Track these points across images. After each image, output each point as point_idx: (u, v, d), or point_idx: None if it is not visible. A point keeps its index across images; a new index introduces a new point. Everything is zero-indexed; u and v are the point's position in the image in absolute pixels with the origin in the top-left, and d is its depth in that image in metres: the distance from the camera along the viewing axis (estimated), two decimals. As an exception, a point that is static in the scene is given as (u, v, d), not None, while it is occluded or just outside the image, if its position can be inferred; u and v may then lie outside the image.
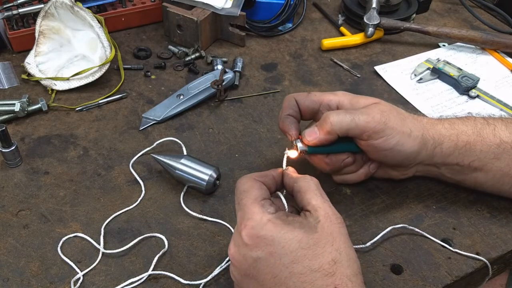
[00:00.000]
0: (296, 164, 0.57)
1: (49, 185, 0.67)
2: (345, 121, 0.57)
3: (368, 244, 0.59)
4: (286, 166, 0.56)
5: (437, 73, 0.87)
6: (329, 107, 0.61)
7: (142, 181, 0.68)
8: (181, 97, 0.79)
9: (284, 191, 0.54)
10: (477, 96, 0.84)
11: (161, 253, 0.58)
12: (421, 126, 0.60)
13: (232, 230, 0.61)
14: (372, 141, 0.58)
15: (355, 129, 0.57)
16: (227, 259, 0.58)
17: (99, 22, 0.83)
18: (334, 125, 0.57)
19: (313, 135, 0.58)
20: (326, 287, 0.44)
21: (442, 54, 0.93)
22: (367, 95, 0.83)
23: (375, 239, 0.60)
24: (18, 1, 0.87)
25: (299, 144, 0.59)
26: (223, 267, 0.57)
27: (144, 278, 0.56)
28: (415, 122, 0.60)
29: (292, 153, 0.59)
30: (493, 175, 0.61)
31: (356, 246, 0.59)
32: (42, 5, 0.85)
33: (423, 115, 0.69)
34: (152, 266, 0.57)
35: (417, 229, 0.61)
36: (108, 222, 0.62)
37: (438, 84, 0.87)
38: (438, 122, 0.62)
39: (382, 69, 0.89)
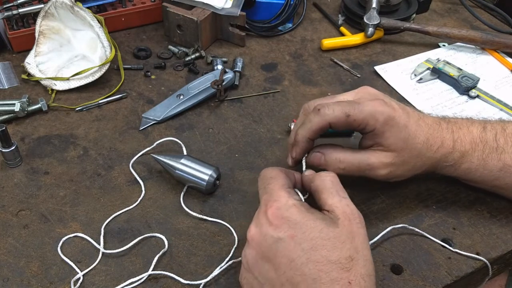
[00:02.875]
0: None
1: (49, 185, 0.67)
2: (352, 168, 0.58)
3: (374, 240, 0.59)
4: (306, 169, 0.57)
5: (437, 73, 0.87)
6: (365, 128, 0.58)
7: (142, 181, 0.68)
8: (181, 97, 0.79)
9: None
10: (477, 96, 0.84)
11: (161, 253, 0.58)
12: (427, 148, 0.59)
13: (233, 230, 0.61)
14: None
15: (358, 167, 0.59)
16: (227, 259, 0.58)
17: (99, 22, 0.83)
18: (341, 168, 0.58)
19: (317, 162, 0.60)
20: (340, 280, 0.44)
21: (442, 54, 0.93)
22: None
23: (375, 239, 0.60)
24: (18, 1, 0.87)
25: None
26: (223, 267, 0.57)
27: (144, 278, 0.56)
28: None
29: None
30: (491, 188, 0.62)
31: None
32: (42, 5, 0.85)
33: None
34: (152, 266, 0.57)
35: (417, 229, 0.61)
36: (108, 222, 0.62)
37: (438, 84, 0.87)
38: (449, 154, 0.60)
39: (382, 69, 0.89)
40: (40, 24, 0.85)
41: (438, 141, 0.59)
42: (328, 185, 0.50)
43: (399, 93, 0.85)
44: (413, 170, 0.60)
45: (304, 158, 0.59)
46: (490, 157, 0.59)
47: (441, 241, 0.61)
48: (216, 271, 0.57)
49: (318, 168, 0.57)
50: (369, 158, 0.58)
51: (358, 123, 0.56)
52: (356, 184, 0.66)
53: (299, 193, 0.53)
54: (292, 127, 0.74)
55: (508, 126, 0.61)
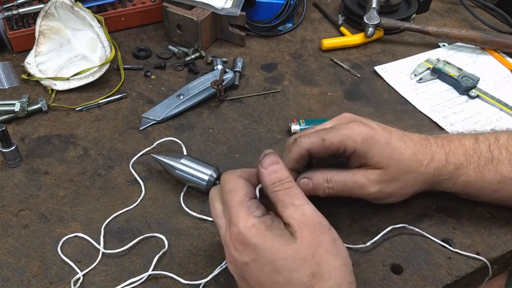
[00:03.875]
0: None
1: (49, 185, 0.67)
2: (340, 187, 0.57)
3: (368, 243, 0.59)
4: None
5: (437, 73, 0.87)
6: (345, 151, 0.57)
7: (142, 181, 0.68)
8: (181, 97, 0.79)
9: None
10: (477, 96, 0.83)
11: (161, 253, 0.58)
12: (422, 170, 0.59)
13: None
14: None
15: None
16: (227, 259, 0.58)
17: (99, 22, 0.83)
18: (330, 191, 0.57)
19: (305, 190, 0.56)
20: None
21: (442, 54, 0.93)
22: (367, 95, 0.84)
23: (375, 238, 0.60)
24: (18, 1, 0.87)
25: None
26: (223, 267, 0.57)
27: (144, 278, 0.56)
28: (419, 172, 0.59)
29: None
30: (491, 200, 0.62)
31: (356, 246, 0.59)
32: (42, 5, 0.85)
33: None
34: (152, 266, 0.57)
35: (417, 229, 0.61)
36: (108, 222, 0.62)
37: (438, 84, 0.87)
38: (443, 168, 0.59)
39: (382, 69, 0.89)
40: (40, 24, 0.85)
41: (428, 156, 0.58)
42: (280, 196, 0.47)
43: (399, 93, 0.85)
44: (406, 187, 0.59)
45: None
46: (486, 169, 0.58)
47: (441, 241, 0.61)
48: (216, 271, 0.57)
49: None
50: (355, 175, 0.57)
51: (336, 146, 0.56)
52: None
53: (257, 191, 0.50)
54: (292, 127, 0.74)
55: (501, 137, 0.60)
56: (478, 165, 0.58)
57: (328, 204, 0.64)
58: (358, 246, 0.59)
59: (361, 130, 0.56)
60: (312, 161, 0.59)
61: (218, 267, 0.57)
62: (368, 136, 0.56)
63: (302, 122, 0.75)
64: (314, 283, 0.44)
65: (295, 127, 0.75)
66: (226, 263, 0.57)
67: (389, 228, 0.61)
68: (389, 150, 0.56)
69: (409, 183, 0.58)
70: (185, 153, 0.70)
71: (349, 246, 0.59)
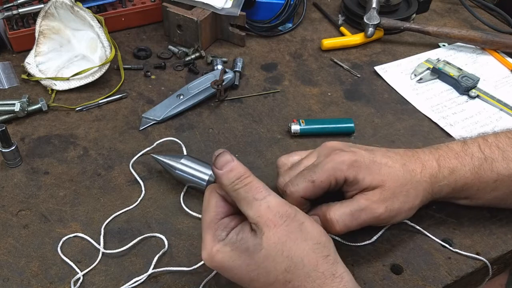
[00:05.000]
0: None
1: (49, 185, 0.67)
2: (348, 218, 0.55)
3: (374, 238, 0.60)
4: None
5: (437, 73, 0.87)
6: (337, 183, 0.56)
7: (142, 181, 0.68)
8: (181, 97, 0.79)
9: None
10: (477, 96, 0.84)
11: (161, 253, 0.59)
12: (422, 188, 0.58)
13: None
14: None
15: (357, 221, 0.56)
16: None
17: (99, 22, 0.83)
18: (338, 228, 0.55)
19: None
20: None
21: (442, 54, 0.93)
22: (367, 95, 0.84)
23: (380, 232, 0.60)
24: (18, 1, 0.87)
25: None
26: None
27: (144, 278, 0.56)
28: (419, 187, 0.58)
29: None
30: (489, 201, 0.61)
31: (364, 243, 0.59)
32: (42, 5, 0.85)
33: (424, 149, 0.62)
34: (152, 266, 0.57)
35: (417, 227, 0.61)
36: (108, 222, 0.63)
37: (438, 84, 0.87)
38: (438, 173, 0.58)
39: (382, 69, 0.89)
40: (40, 24, 0.85)
41: (419, 164, 0.58)
42: (242, 194, 0.47)
43: (399, 93, 0.85)
44: (409, 200, 0.57)
45: None
46: (482, 169, 0.58)
47: (441, 241, 0.61)
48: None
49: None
50: (359, 201, 0.55)
51: (327, 183, 0.55)
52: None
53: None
54: (292, 127, 0.74)
55: (489, 137, 0.60)
56: (473, 167, 0.58)
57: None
58: (365, 242, 0.59)
59: (343, 159, 0.55)
60: None
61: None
62: (352, 161, 0.55)
63: (302, 122, 0.75)
64: (290, 277, 0.45)
65: (295, 127, 0.75)
66: None
67: (389, 224, 0.61)
68: (376, 168, 0.56)
69: (411, 194, 0.57)
70: (185, 153, 0.70)
71: (355, 244, 0.59)
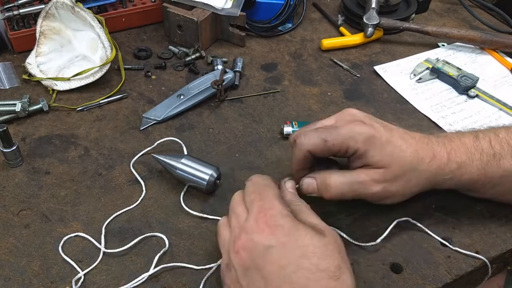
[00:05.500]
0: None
1: (50, 185, 0.67)
2: (345, 188, 0.57)
3: (378, 240, 0.60)
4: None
5: (436, 72, 0.88)
6: (347, 151, 0.57)
7: (143, 180, 0.68)
8: (182, 97, 0.79)
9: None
10: (476, 95, 0.84)
11: (161, 252, 0.59)
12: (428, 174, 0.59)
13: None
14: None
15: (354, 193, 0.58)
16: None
17: (100, 22, 0.83)
18: (333, 193, 0.57)
19: (310, 189, 0.59)
20: None
21: (441, 54, 0.94)
22: (367, 95, 0.84)
23: (384, 235, 0.60)
24: (19, 2, 0.87)
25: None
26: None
27: (145, 278, 0.56)
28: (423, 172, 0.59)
29: None
30: (492, 195, 0.62)
31: (366, 244, 0.60)
32: (43, 6, 0.85)
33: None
34: (153, 265, 0.57)
35: (419, 224, 0.62)
36: (109, 221, 0.63)
37: (437, 83, 0.87)
38: (445, 166, 0.59)
39: (381, 69, 0.90)
40: (41, 25, 0.85)
41: (430, 154, 0.58)
42: (304, 209, 0.52)
43: (398, 93, 0.85)
44: (408, 186, 0.59)
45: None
46: (489, 165, 0.58)
47: (441, 239, 0.61)
48: (216, 265, 0.57)
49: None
50: (359, 176, 0.57)
51: (338, 147, 0.56)
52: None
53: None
54: (284, 129, 0.74)
55: (500, 131, 0.60)
56: (481, 162, 0.58)
57: (328, 203, 0.64)
58: (369, 244, 0.59)
59: (362, 130, 0.56)
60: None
61: (219, 260, 0.56)
62: (370, 136, 0.56)
63: (295, 124, 0.75)
64: (339, 274, 0.45)
65: (287, 129, 0.75)
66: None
67: (395, 222, 0.61)
68: (390, 148, 0.57)
69: (412, 181, 0.58)
70: (185, 152, 0.71)
71: (359, 244, 0.60)
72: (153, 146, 0.71)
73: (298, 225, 0.48)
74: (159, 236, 0.61)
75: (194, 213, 0.64)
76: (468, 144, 0.60)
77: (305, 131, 0.58)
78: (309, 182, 0.58)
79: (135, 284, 0.56)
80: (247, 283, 0.47)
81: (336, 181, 0.57)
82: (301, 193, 0.58)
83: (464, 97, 0.84)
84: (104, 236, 0.61)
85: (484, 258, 0.59)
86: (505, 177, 0.59)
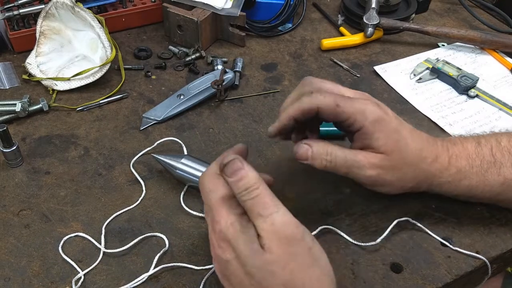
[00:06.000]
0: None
1: (50, 185, 0.68)
2: (340, 162, 0.56)
3: (378, 240, 0.60)
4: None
5: (436, 72, 0.88)
6: (353, 124, 0.56)
7: (143, 180, 0.68)
8: (182, 97, 0.79)
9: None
10: (476, 95, 0.84)
11: (161, 252, 0.59)
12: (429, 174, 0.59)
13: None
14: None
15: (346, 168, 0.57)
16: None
17: (100, 22, 0.83)
18: (327, 164, 0.56)
19: (304, 156, 0.56)
20: None
21: (441, 54, 0.94)
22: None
23: (384, 234, 0.60)
24: (19, 2, 0.87)
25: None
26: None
27: (145, 278, 0.56)
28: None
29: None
30: (493, 202, 0.62)
31: (367, 244, 0.59)
32: (43, 6, 0.85)
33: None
34: (153, 266, 0.57)
35: (419, 224, 0.62)
36: (109, 221, 0.63)
37: (437, 83, 0.87)
38: (445, 170, 0.59)
39: (381, 69, 0.90)
40: (41, 25, 0.85)
41: (433, 155, 0.58)
42: (249, 206, 0.46)
43: (398, 93, 0.85)
44: (403, 179, 0.58)
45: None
46: (489, 172, 0.58)
47: (441, 239, 0.61)
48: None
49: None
50: (357, 155, 0.56)
51: (346, 116, 0.55)
52: (356, 184, 0.66)
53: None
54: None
55: (503, 139, 0.60)
56: (481, 169, 0.58)
57: (328, 204, 0.64)
58: (369, 243, 0.59)
59: (374, 110, 0.56)
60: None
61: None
62: (380, 118, 0.56)
63: None
64: None
65: None
66: None
67: (395, 222, 0.61)
68: (396, 137, 0.56)
69: (409, 176, 0.58)
70: (185, 152, 0.71)
71: (359, 244, 0.60)
72: (153, 146, 0.71)
73: (238, 239, 0.45)
74: (159, 236, 0.61)
75: (194, 213, 0.64)
76: (469, 149, 0.59)
77: (320, 89, 0.56)
78: (305, 148, 0.56)
79: (135, 284, 0.56)
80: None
81: (333, 152, 0.56)
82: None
83: (464, 97, 0.84)
84: (104, 236, 0.61)
85: (484, 258, 0.59)
86: (506, 185, 0.58)
